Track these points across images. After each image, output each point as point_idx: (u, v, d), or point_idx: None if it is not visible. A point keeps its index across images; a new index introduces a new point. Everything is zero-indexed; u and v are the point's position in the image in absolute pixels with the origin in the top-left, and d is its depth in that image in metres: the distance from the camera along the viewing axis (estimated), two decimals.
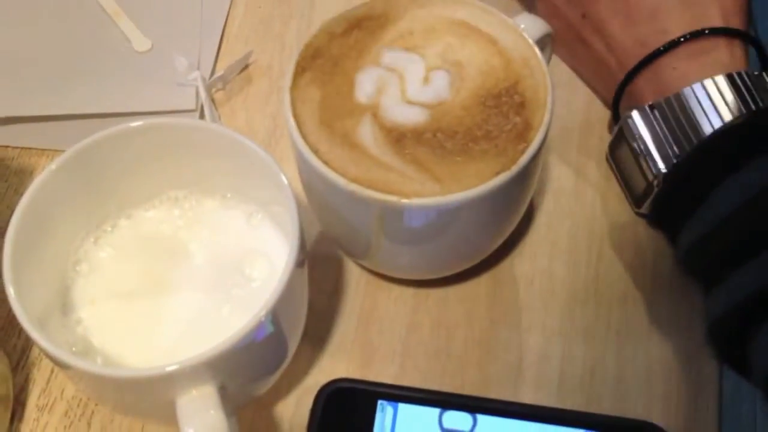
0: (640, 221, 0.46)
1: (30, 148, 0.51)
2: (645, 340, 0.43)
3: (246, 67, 0.54)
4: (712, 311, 0.40)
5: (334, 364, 0.43)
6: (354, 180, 0.37)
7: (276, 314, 0.35)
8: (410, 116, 0.38)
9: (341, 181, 0.37)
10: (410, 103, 0.38)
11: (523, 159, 0.36)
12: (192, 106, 0.51)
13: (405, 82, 0.39)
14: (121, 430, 0.42)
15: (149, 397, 0.35)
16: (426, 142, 0.37)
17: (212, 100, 0.52)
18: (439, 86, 0.39)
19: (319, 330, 0.44)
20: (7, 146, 0.51)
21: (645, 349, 0.43)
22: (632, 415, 0.40)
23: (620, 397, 0.41)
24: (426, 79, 0.39)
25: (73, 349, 0.38)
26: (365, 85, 0.39)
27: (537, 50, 0.40)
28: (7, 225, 0.37)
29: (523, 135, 0.37)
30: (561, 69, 0.51)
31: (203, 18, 0.56)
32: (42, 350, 0.35)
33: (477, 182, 0.36)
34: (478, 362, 0.43)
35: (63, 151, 0.39)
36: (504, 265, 0.46)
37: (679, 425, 0.40)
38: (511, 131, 0.37)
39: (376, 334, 0.44)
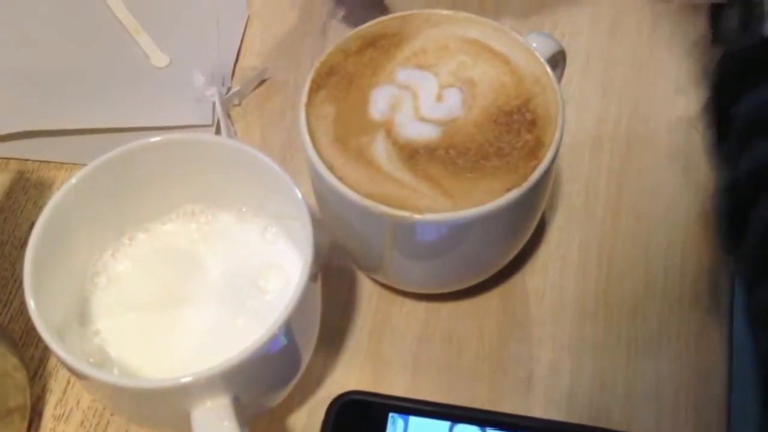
0: (651, 237, 0.47)
1: (49, 162, 0.52)
2: (654, 356, 0.43)
3: (262, 83, 0.55)
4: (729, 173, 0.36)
5: (346, 377, 0.44)
6: (367, 195, 0.37)
7: (290, 327, 0.36)
8: (423, 133, 0.39)
9: (355, 197, 0.37)
10: (423, 120, 0.39)
11: (535, 176, 0.37)
12: (209, 122, 0.52)
13: (418, 100, 0.40)
14: None
15: (164, 407, 0.36)
16: (438, 158, 0.38)
17: (228, 116, 0.53)
18: (452, 104, 0.39)
19: (331, 342, 0.44)
20: (27, 159, 0.52)
21: (654, 365, 0.43)
22: (641, 430, 0.40)
23: (629, 411, 0.42)
24: (439, 97, 0.40)
25: (90, 359, 0.39)
26: (379, 102, 0.40)
27: (548, 68, 0.40)
28: (26, 237, 0.38)
29: (534, 152, 0.38)
30: (572, 87, 0.51)
31: (220, 34, 0.56)
32: (60, 360, 0.35)
33: (488, 198, 0.36)
34: (488, 376, 0.43)
35: (82, 164, 0.40)
36: (515, 280, 0.46)
37: None
38: (522, 148, 0.38)
39: (388, 347, 0.45)
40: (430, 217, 0.36)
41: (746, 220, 0.34)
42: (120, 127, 0.52)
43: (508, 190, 0.37)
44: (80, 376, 0.35)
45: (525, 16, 0.56)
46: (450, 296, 0.45)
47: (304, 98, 0.40)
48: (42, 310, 0.36)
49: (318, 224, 0.38)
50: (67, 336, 0.38)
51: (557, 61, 0.43)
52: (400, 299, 0.46)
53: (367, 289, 0.46)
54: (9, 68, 0.55)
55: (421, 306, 0.46)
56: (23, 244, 0.48)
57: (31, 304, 0.36)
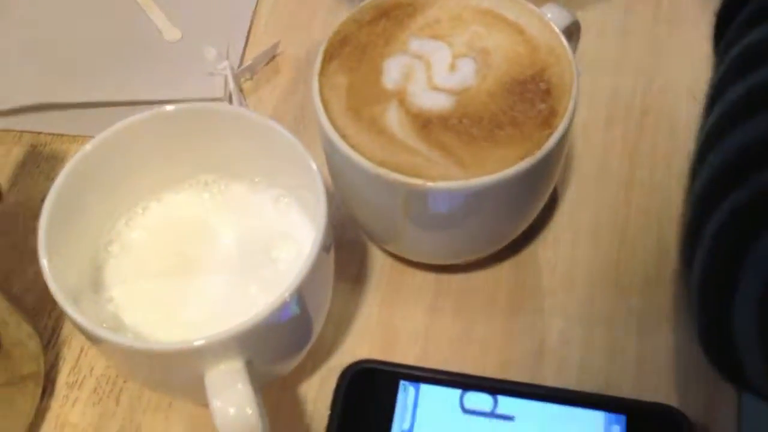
0: (663, 210, 0.47)
1: (62, 135, 0.53)
2: (665, 326, 0.43)
3: (274, 57, 0.55)
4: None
5: (358, 347, 0.44)
6: (380, 164, 0.37)
7: (301, 294, 0.36)
8: (436, 102, 0.39)
9: (368, 165, 0.37)
10: (436, 89, 0.39)
11: (548, 144, 0.37)
12: (220, 95, 0.52)
13: (432, 69, 0.40)
14: (149, 406, 0.43)
15: (178, 371, 0.36)
16: (452, 127, 0.38)
17: (240, 90, 0.53)
18: (466, 73, 0.39)
19: (343, 313, 0.45)
20: (40, 132, 0.53)
21: (665, 335, 0.43)
22: (652, 399, 0.41)
23: (640, 381, 0.42)
24: (452, 66, 0.40)
25: (104, 326, 0.39)
26: (392, 71, 0.40)
27: (563, 38, 0.40)
28: (38, 209, 0.38)
29: (548, 121, 0.38)
30: (587, 59, 0.51)
31: (232, 9, 0.57)
32: (75, 324, 0.36)
33: (501, 167, 0.37)
34: (499, 346, 0.44)
35: (94, 138, 0.40)
36: (527, 252, 0.46)
37: (699, 410, 0.41)
38: (536, 117, 0.38)
39: (399, 318, 0.45)
40: (442, 185, 0.37)
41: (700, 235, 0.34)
42: (132, 100, 0.52)
43: (522, 158, 0.37)
44: (95, 339, 0.36)
45: None
46: (461, 268, 0.46)
47: (317, 68, 0.40)
48: (56, 275, 0.36)
49: (330, 195, 0.38)
50: (81, 303, 0.38)
51: (572, 32, 0.43)
52: (411, 270, 0.46)
53: (378, 261, 0.46)
54: (22, 42, 0.56)
55: (432, 277, 0.46)
56: (36, 217, 0.48)
57: (46, 269, 0.36)
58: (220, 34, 0.55)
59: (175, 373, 0.37)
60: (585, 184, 0.48)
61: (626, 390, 0.42)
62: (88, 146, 0.39)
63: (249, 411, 0.34)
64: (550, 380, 0.42)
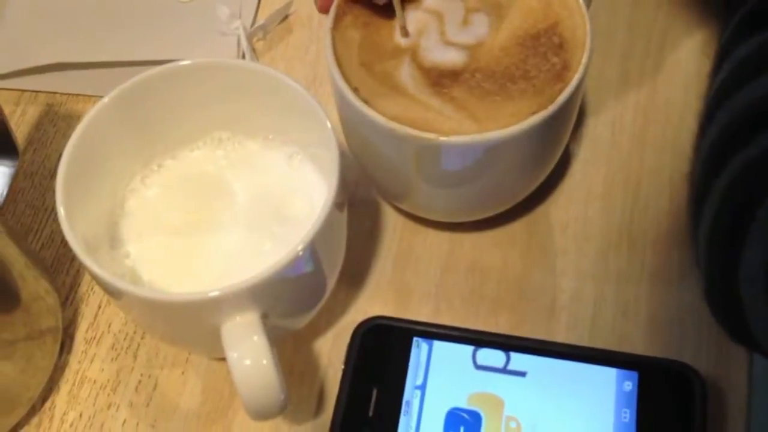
0: (675, 168, 0.47)
1: (77, 95, 0.53)
2: (677, 284, 0.43)
3: (286, 17, 0.55)
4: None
5: (371, 304, 0.44)
6: (393, 118, 0.37)
7: (314, 249, 0.36)
8: (449, 57, 0.39)
9: (380, 120, 0.37)
10: (449, 44, 0.39)
11: (561, 98, 0.37)
12: (233, 55, 0.52)
13: (444, 24, 0.40)
14: (166, 362, 0.43)
15: (196, 322, 0.36)
16: (464, 82, 0.38)
17: (253, 49, 0.53)
18: (478, 27, 0.39)
19: (356, 271, 0.45)
20: (55, 92, 0.53)
21: (677, 292, 0.43)
22: (664, 356, 0.41)
23: (652, 338, 0.42)
24: (465, 21, 0.40)
25: None
26: (405, 26, 0.40)
27: None
28: (55, 168, 0.38)
29: (561, 75, 0.38)
30: (600, 19, 0.51)
31: None
32: (93, 276, 0.36)
33: (514, 121, 0.37)
34: (511, 304, 0.44)
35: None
36: (539, 211, 0.46)
37: (710, 367, 0.41)
38: (549, 71, 0.38)
39: (412, 276, 0.45)
40: (455, 139, 0.37)
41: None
42: (146, 59, 0.52)
43: (534, 112, 0.37)
44: (113, 291, 0.36)
45: None
46: (474, 226, 0.46)
47: (330, 23, 0.40)
48: (73, 225, 0.37)
49: (343, 154, 0.38)
50: (98, 258, 0.39)
51: None
52: (424, 229, 0.46)
53: (391, 219, 0.47)
54: (36, 3, 0.56)
55: (445, 236, 0.46)
56: (52, 175, 0.49)
57: (64, 223, 0.37)
58: None
59: (192, 325, 0.37)
60: (598, 142, 0.48)
61: (638, 347, 0.42)
62: (103, 101, 0.40)
63: (264, 362, 0.34)
64: (562, 337, 0.42)
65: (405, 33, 0.39)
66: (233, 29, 0.53)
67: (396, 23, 0.40)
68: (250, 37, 0.53)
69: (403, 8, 0.40)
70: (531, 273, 0.45)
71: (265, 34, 0.54)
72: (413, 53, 0.39)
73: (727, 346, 0.41)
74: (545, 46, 0.38)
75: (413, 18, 0.40)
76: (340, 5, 0.41)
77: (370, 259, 0.46)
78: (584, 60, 0.38)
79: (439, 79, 0.38)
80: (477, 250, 0.46)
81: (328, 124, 0.38)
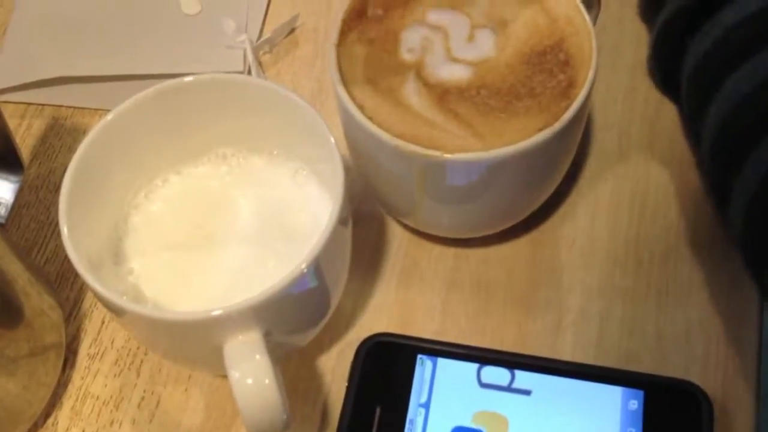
0: (683, 183, 0.46)
1: (83, 108, 0.53)
2: (685, 301, 0.43)
3: (293, 30, 0.55)
4: (663, 13, 0.38)
5: (375, 321, 0.44)
6: (398, 135, 0.37)
7: (318, 266, 0.36)
8: (454, 73, 0.39)
9: (385, 137, 0.37)
10: (455, 60, 0.39)
11: (567, 116, 0.37)
12: (239, 68, 0.52)
13: (450, 40, 0.39)
14: (169, 378, 0.43)
15: (198, 341, 0.36)
16: (469, 98, 0.38)
17: (259, 63, 0.53)
18: (484, 44, 0.39)
19: (360, 287, 0.45)
20: (61, 105, 0.53)
21: (684, 310, 0.43)
22: (670, 374, 0.40)
23: (659, 356, 0.42)
24: (471, 37, 0.39)
25: (124, 297, 0.40)
26: (410, 42, 0.40)
27: (582, 8, 0.40)
28: (60, 182, 0.38)
29: (566, 92, 0.37)
30: (607, 33, 0.51)
31: None
32: (96, 294, 0.36)
33: (519, 138, 0.36)
34: (517, 321, 0.43)
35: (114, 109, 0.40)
36: (545, 226, 0.46)
37: (717, 386, 0.40)
38: (555, 88, 0.38)
39: (417, 293, 0.45)
40: (460, 156, 0.36)
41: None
42: (152, 73, 0.52)
43: (540, 129, 0.37)
44: (115, 309, 0.36)
45: None
46: (479, 242, 0.45)
47: (334, 38, 0.40)
48: (78, 247, 0.36)
49: (348, 169, 0.38)
50: (101, 274, 0.39)
51: (592, 3, 0.42)
52: (429, 245, 0.46)
53: (396, 235, 0.46)
54: (43, 15, 0.56)
55: (450, 252, 0.46)
56: (57, 189, 0.49)
57: (67, 241, 0.37)
58: (240, 7, 0.55)
59: (194, 344, 0.37)
60: (604, 157, 0.48)
61: (644, 365, 0.41)
62: (109, 116, 0.39)
63: (267, 381, 0.34)
64: (567, 355, 0.42)
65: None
66: (239, 42, 0.53)
67: (401, 42, 0.40)
68: (256, 51, 0.53)
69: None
70: (537, 290, 0.44)
71: (271, 48, 0.54)
72: (418, 70, 0.39)
73: (734, 365, 0.41)
74: (551, 63, 0.38)
75: (418, 34, 0.40)
76: (345, 21, 0.41)
77: (375, 275, 0.45)
78: (590, 77, 0.38)
79: (444, 96, 0.38)
80: (482, 266, 0.45)
81: (332, 140, 0.38)
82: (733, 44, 0.35)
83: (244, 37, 0.53)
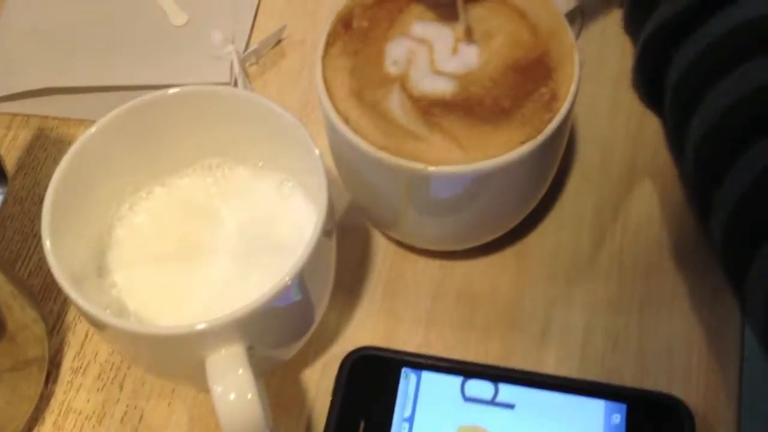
0: (665, 196, 0.47)
1: (69, 119, 0.53)
2: (667, 315, 0.43)
3: (279, 41, 0.55)
4: (646, 26, 0.38)
5: (360, 333, 0.44)
6: (382, 148, 0.37)
7: (302, 279, 0.36)
8: (438, 86, 0.39)
9: (370, 149, 0.37)
10: (439, 73, 0.39)
11: (549, 129, 0.37)
12: (226, 79, 0.52)
13: (434, 53, 0.39)
14: (152, 393, 0.43)
15: (180, 355, 0.36)
16: (453, 111, 0.38)
17: (246, 74, 0.53)
18: (468, 57, 0.39)
19: (345, 299, 0.45)
20: (47, 116, 0.53)
21: (667, 323, 0.43)
22: (653, 387, 0.40)
23: (641, 369, 0.42)
24: (455, 50, 0.40)
25: (108, 310, 0.39)
26: (395, 55, 0.40)
27: (565, 22, 0.40)
28: (45, 193, 0.38)
29: (549, 105, 0.38)
30: (591, 47, 0.51)
31: None
32: (78, 309, 0.36)
33: (503, 151, 0.36)
34: (501, 333, 0.43)
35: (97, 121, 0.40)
36: (529, 239, 0.46)
37: (699, 399, 0.40)
38: (537, 101, 0.38)
39: (402, 305, 0.45)
40: (443, 169, 0.37)
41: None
42: (139, 84, 0.52)
43: (523, 142, 0.37)
44: (97, 323, 0.36)
45: None
46: (464, 254, 0.45)
47: (320, 51, 0.40)
48: (60, 260, 0.36)
49: (334, 182, 0.38)
50: (84, 287, 0.39)
51: (575, 16, 0.42)
52: (414, 257, 0.46)
53: (381, 247, 0.46)
54: (30, 26, 0.56)
55: (435, 264, 0.46)
56: (42, 201, 0.49)
57: (49, 254, 0.36)
58: (227, 18, 0.55)
59: (177, 358, 0.37)
60: (588, 170, 0.48)
61: (627, 378, 0.41)
62: (91, 129, 0.39)
63: (249, 396, 0.34)
64: (551, 367, 0.42)
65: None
66: (226, 53, 0.53)
67: (386, 54, 0.40)
68: (243, 62, 0.53)
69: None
70: (521, 301, 0.44)
71: (258, 59, 0.54)
72: (403, 82, 0.39)
73: (716, 378, 0.41)
74: (534, 76, 0.38)
75: (403, 47, 0.40)
76: (330, 34, 0.41)
77: (360, 286, 0.45)
78: (572, 90, 0.38)
79: (429, 108, 0.38)
80: (467, 278, 0.45)
81: (316, 152, 0.38)
82: (716, 57, 0.36)
83: (230, 48, 0.53)
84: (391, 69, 0.39)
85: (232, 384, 0.34)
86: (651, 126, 0.49)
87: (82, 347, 0.45)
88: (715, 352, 0.42)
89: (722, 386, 0.41)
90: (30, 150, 0.52)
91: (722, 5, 0.36)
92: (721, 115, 0.35)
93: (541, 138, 0.37)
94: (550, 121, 0.37)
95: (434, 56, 0.39)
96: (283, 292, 0.35)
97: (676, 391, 0.40)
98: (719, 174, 0.34)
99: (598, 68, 0.51)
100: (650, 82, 0.40)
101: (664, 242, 0.45)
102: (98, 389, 0.43)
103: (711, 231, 0.36)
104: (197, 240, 0.42)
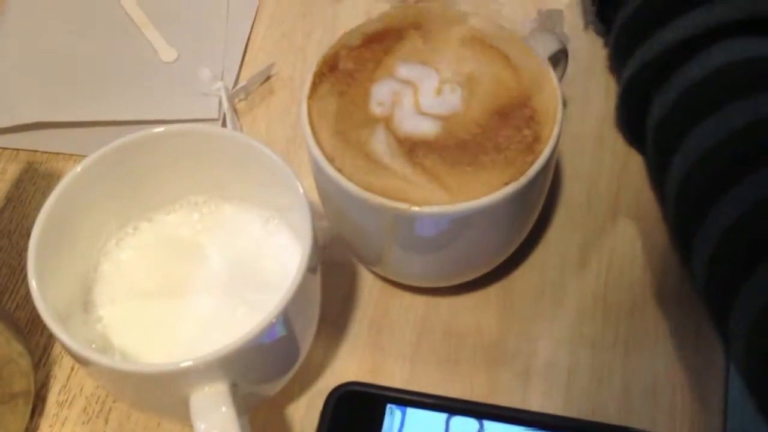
0: (649, 236, 0.47)
1: (58, 153, 0.53)
2: (652, 352, 0.43)
3: (268, 78, 0.55)
4: (629, 65, 0.39)
5: (345, 368, 0.44)
6: (366, 188, 0.38)
7: (287, 317, 0.36)
8: (423, 127, 0.39)
9: (354, 189, 0.38)
10: (423, 114, 0.40)
11: (532, 170, 0.37)
12: (215, 116, 0.53)
13: (419, 94, 0.40)
14: (138, 427, 0.43)
15: (164, 392, 0.36)
16: (437, 152, 0.38)
17: (234, 110, 0.54)
18: (452, 99, 0.40)
19: (331, 334, 0.45)
20: (36, 150, 0.53)
21: (651, 361, 0.43)
22: (637, 425, 0.41)
23: (626, 407, 0.42)
24: (439, 92, 0.40)
25: (93, 346, 0.39)
26: (380, 96, 0.40)
27: (549, 67, 0.40)
28: (33, 227, 0.38)
29: (532, 147, 0.38)
30: (575, 85, 0.52)
31: (228, 30, 0.57)
32: (62, 345, 0.36)
33: (486, 192, 0.37)
34: (486, 370, 0.44)
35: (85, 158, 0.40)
36: (514, 276, 0.46)
37: None
38: (520, 143, 0.38)
39: (387, 340, 0.45)
40: (427, 209, 0.37)
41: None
42: (128, 119, 0.53)
43: (506, 183, 0.37)
44: (81, 360, 0.36)
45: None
46: (449, 291, 0.46)
47: (306, 92, 0.41)
48: (45, 296, 0.37)
49: (320, 218, 0.39)
50: (70, 322, 0.39)
51: (559, 59, 0.43)
52: (400, 293, 0.46)
53: (367, 283, 0.47)
54: (18, 61, 0.56)
55: (421, 300, 0.46)
56: (30, 234, 0.49)
57: (34, 289, 0.37)
58: (216, 55, 0.56)
59: (161, 395, 0.37)
60: (572, 207, 0.48)
61: (612, 415, 0.42)
62: (78, 168, 0.40)
63: None
64: (536, 404, 0.42)
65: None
66: (215, 90, 0.53)
67: (371, 95, 0.40)
68: (231, 98, 0.54)
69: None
70: (506, 338, 0.45)
71: (246, 95, 0.55)
72: (387, 123, 0.39)
73: (701, 416, 0.41)
74: (517, 118, 0.39)
75: (388, 88, 0.40)
76: (316, 74, 0.41)
77: (346, 322, 0.46)
78: (555, 132, 0.38)
79: (413, 149, 0.39)
80: (453, 315, 0.46)
81: (301, 190, 0.39)
82: (696, 98, 0.36)
83: (219, 84, 0.53)
84: (377, 110, 0.40)
85: (215, 422, 0.34)
86: (636, 164, 0.50)
87: (68, 380, 0.45)
88: (699, 392, 0.42)
89: (706, 424, 0.41)
90: (19, 183, 0.52)
91: (702, 47, 0.37)
92: (701, 157, 0.35)
93: (524, 180, 0.37)
94: (533, 162, 0.38)
95: (419, 98, 0.40)
96: (267, 330, 0.35)
97: (661, 428, 0.40)
98: (700, 214, 0.35)
99: (583, 107, 0.52)
100: (633, 122, 0.41)
101: (648, 280, 0.46)
102: (84, 422, 0.43)
103: (693, 270, 0.36)
104: (183, 276, 0.42)
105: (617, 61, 0.41)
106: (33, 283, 0.36)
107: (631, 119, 0.41)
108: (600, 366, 0.43)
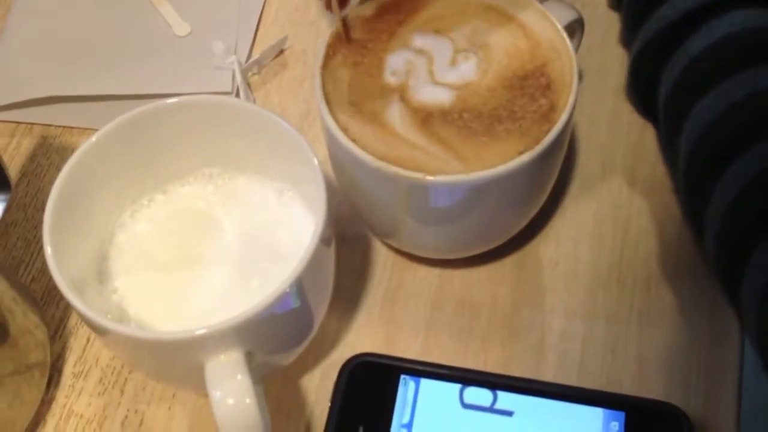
0: (665, 208, 0.47)
1: (72, 127, 0.53)
2: (666, 324, 0.43)
3: (281, 52, 0.55)
4: (637, 42, 0.39)
5: (359, 340, 0.44)
6: (381, 158, 0.38)
7: (301, 286, 0.36)
8: (437, 97, 0.39)
9: (369, 159, 0.38)
10: (438, 84, 0.39)
11: (547, 139, 0.37)
12: (228, 89, 0.53)
13: (433, 64, 0.40)
14: (153, 397, 0.43)
15: (180, 360, 0.36)
16: (452, 121, 0.38)
17: (248, 84, 0.54)
18: (467, 68, 0.40)
19: (345, 307, 0.45)
20: (50, 125, 0.53)
21: (666, 333, 0.43)
22: (652, 396, 0.41)
23: (640, 378, 0.42)
24: (454, 61, 0.40)
25: (108, 316, 0.40)
26: (394, 66, 0.40)
27: (564, 34, 0.40)
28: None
29: (547, 116, 0.38)
30: (592, 57, 0.51)
31: (241, 4, 0.57)
32: (79, 314, 0.36)
33: (500, 161, 0.37)
34: (500, 342, 0.44)
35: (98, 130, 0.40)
36: (529, 248, 0.46)
37: (698, 408, 0.41)
38: (536, 112, 0.38)
39: (401, 312, 0.45)
40: (442, 179, 0.37)
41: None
42: (142, 93, 0.52)
43: (521, 153, 0.37)
44: (98, 329, 0.36)
45: None
46: (463, 263, 0.46)
47: (319, 62, 0.40)
48: (62, 266, 0.37)
49: (334, 191, 0.39)
50: (86, 293, 0.39)
51: (575, 29, 0.43)
52: (414, 265, 0.46)
53: (381, 256, 0.47)
54: (34, 35, 0.56)
55: (435, 272, 0.46)
56: (45, 207, 0.49)
57: (51, 260, 0.37)
58: (229, 29, 0.56)
59: (177, 363, 0.37)
60: (588, 180, 0.48)
61: (626, 387, 0.42)
62: (92, 138, 0.40)
63: (248, 401, 0.34)
64: (550, 376, 0.42)
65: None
66: (228, 64, 0.53)
67: (386, 65, 0.40)
68: (244, 72, 0.54)
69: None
70: (520, 310, 0.45)
71: (259, 69, 0.54)
72: (402, 93, 0.39)
73: (716, 388, 0.41)
74: (532, 87, 0.39)
75: (402, 58, 0.40)
76: (330, 45, 0.41)
77: (360, 294, 0.46)
78: (570, 101, 0.38)
79: (427, 119, 0.38)
80: (467, 287, 0.46)
81: (316, 162, 0.39)
82: (697, 73, 0.36)
83: (233, 58, 0.53)
84: (391, 80, 0.40)
85: (231, 389, 0.34)
86: (651, 136, 0.49)
87: (83, 352, 0.45)
88: (713, 361, 0.42)
89: (721, 395, 0.41)
90: (33, 158, 0.52)
91: (704, 20, 0.36)
92: (703, 132, 0.35)
93: (539, 149, 0.37)
94: (548, 131, 0.37)
95: (433, 67, 0.40)
96: (281, 299, 0.36)
97: (675, 400, 0.40)
98: (707, 190, 0.35)
99: (599, 79, 0.51)
100: (643, 97, 0.40)
101: (663, 253, 0.45)
102: (99, 393, 0.44)
103: (705, 246, 0.36)
104: (197, 247, 0.42)
105: (628, 36, 0.41)
106: (48, 250, 0.37)
107: (642, 95, 0.41)
108: (614, 338, 0.43)
